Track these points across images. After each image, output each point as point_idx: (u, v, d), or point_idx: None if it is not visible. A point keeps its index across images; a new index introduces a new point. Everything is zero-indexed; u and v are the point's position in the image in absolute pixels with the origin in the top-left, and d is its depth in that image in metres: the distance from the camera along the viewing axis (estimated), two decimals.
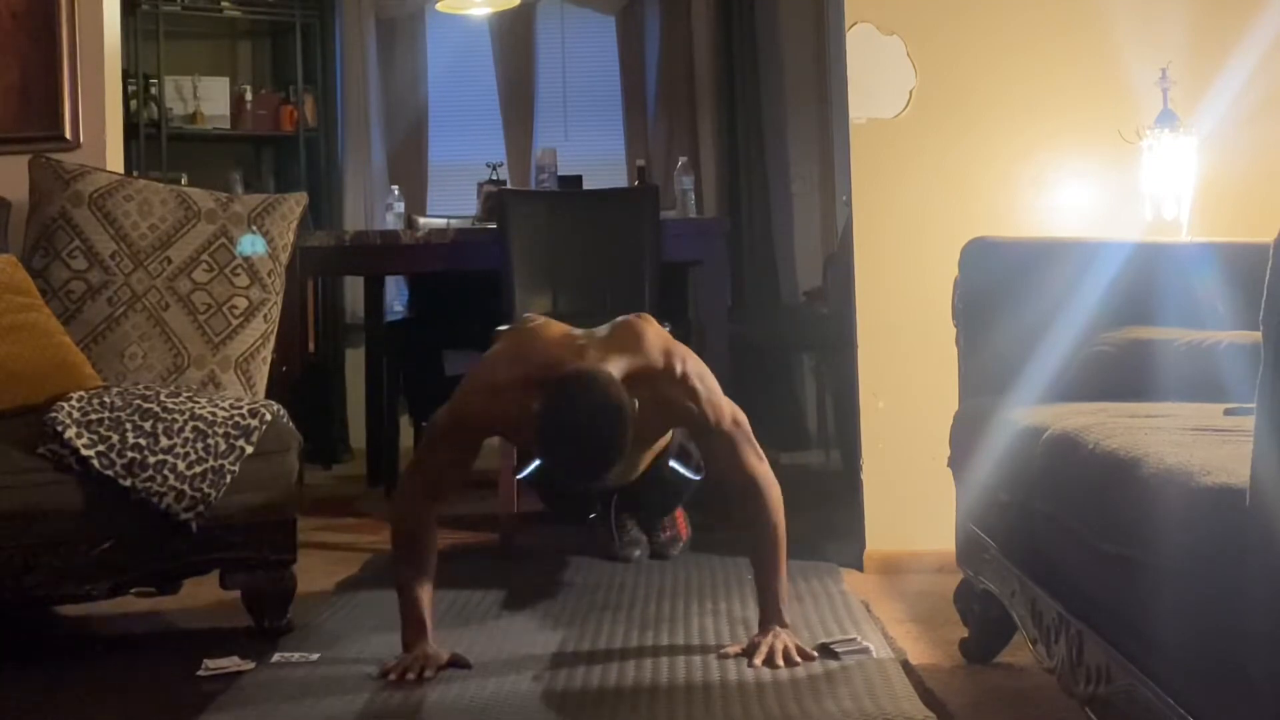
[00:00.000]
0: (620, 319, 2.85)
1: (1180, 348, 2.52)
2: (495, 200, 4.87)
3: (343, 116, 6.73)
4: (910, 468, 3.60)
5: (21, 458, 2.88)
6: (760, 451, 2.84)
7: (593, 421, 2.52)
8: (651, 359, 2.71)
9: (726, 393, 2.86)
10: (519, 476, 3.44)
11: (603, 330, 2.82)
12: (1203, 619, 1.50)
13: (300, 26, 6.60)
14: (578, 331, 2.81)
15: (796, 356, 6.46)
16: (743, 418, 2.84)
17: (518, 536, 4.05)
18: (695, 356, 2.83)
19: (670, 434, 3.16)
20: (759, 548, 2.84)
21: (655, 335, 2.77)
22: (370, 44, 6.80)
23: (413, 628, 2.74)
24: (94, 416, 2.92)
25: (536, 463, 2.54)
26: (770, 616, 2.81)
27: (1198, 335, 2.53)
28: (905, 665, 2.71)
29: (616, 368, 2.65)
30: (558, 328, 2.81)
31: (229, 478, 2.96)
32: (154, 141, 6.27)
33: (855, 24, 3.75)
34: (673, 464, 3.35)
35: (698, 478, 3.42)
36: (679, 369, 2.73)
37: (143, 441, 2.91)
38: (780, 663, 2.68)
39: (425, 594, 2.76)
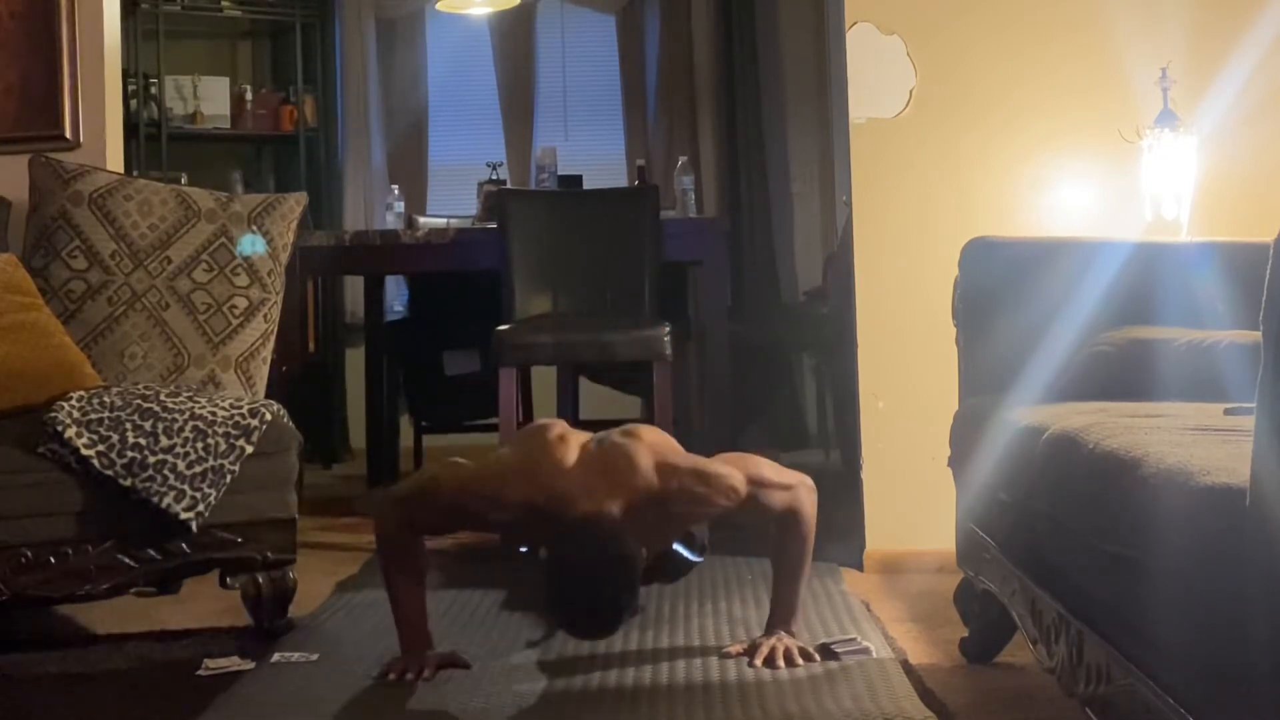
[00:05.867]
0: (616, 437, 2.74)
1: (1180, 348, 2.51)
2: (495, 200, 4.86)
3: (343, 116, 6.73)
4: (910, 468, 3.60)
5: (21, 458, 2.88)
6: (780, 472, 2.79)
7: (602, 582, 2.51)
8: (648, 482, 2.65)
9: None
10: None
11: (602, 454, 2.70)
12: (1203, 619, 1.50)
13: (300, 26, 6.60)
14: (591, 449, 2.72)
15: (796, 356, 6.46)
16: (752, 465, 2.77)
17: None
18: (685, 455, 2.77)
19: None
20: (785, 559, 2.81)
21: (647, 454, 2.69)
22: (370, 44, 6.80)
23: (409, 631, 2.73)
24: (94, 416, 2.92)
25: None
26: (778, 622, 2.80)
27: (1198, 335, 2.53)
28: (905, 665, 2.71)
29: (618, 504, 2.61)
30: (572, 450, 2.70)
31: (229, 478, 2.96)
32: (154, 141, 6.27)
33: (855, 24, 3.75)
34: (676, 547, 3.33)
35: (700, 560, 3.41)
36: (675, 484, 2.67)
37: (143, 441, 2.91)
38: (781, 664, 2.68)
39: (418, 598, 2.75)
